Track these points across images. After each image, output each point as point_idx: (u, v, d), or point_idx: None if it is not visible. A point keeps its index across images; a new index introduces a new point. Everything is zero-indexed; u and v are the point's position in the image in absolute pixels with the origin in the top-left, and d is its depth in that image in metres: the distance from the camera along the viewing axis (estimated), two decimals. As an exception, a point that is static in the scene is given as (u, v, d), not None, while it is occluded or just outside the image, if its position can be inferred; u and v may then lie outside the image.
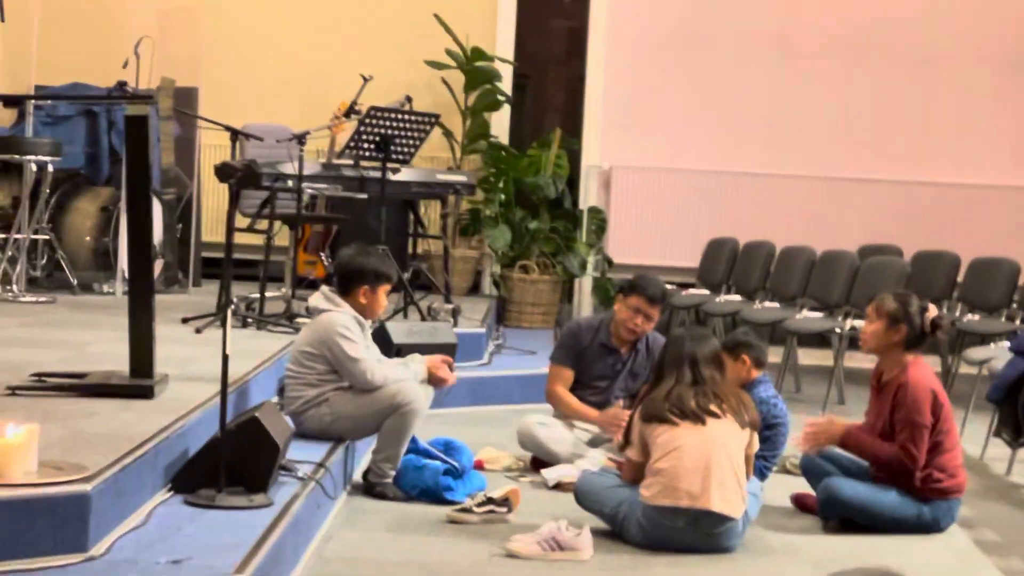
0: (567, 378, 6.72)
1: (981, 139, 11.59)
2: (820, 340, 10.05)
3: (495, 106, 11.42)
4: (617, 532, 5.38)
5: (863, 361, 9.55)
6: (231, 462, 4.72)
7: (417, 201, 9.39)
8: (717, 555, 5.24)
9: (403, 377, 5.89)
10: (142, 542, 4.11)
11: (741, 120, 11.69)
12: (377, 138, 8.30)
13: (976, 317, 9.60)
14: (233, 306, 7.94)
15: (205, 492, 4.65)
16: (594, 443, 6.55)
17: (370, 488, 5.87)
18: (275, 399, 6.51)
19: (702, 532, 5.21)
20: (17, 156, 8.60)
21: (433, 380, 6.14)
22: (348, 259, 6.11)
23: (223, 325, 4.74)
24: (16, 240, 8.65)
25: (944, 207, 11.49)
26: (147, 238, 5.19)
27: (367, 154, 8.38)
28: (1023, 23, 11.55)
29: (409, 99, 8.74)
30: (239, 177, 7.70)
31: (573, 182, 11.73)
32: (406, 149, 8.51)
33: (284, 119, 9.74)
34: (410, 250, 9.61)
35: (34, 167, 8.68)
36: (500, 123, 11.76)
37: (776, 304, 9.95)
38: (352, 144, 8.34)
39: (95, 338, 6.90)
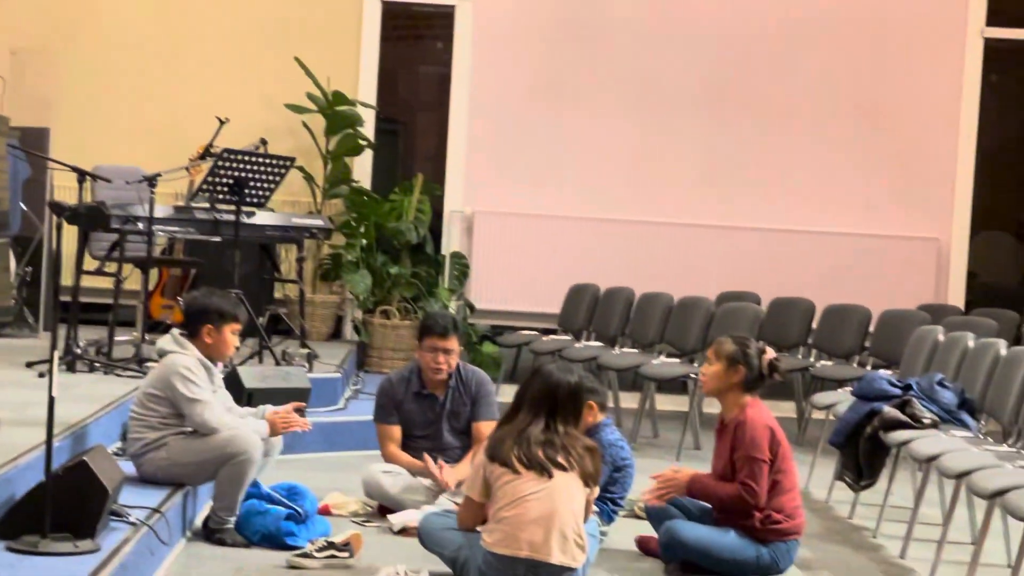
0: (395, 435, 6.70)
1: (834, 187, 11.81)
2: (679, 386, 10.12)
3: (356, 150, 11.39)
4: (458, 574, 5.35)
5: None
6: (58, 507, 4.63)
7: (274, 245, 9.32)
8: (556, 599, 5.21)
9: (238, 425, 5.81)
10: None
11: (603, 167, 11.79)
12: (231, 180, 8.23)
13: (830, 363, 9.76)
14: (79, 349, 7.82)
15: (28, 538, 4.54)
16: (439, 489, 6.50)
17: (210, 534, 5.78)
18: (118, 443, 6.41)
19: (542, 573, 5.18)
20: None
21: (278, 433, 6.08)
22: (192, 300, 6.13)
23: (49, 369, 4.64)
24: None
25: (800, 254, 11.67)
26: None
27: (221, 196, 8.30)
28: (868, 74, 11.79)
29: (264, 142, 8.67)
30: (68, 216, 7.54)
31: (437, 228, 11.74)
32: (261, 192, 8.45)
33: (142, 161, 9.58)
34: (269, 294, 9.54)
35: None
36: (363, 168, 11.73)
37: (635, 350, 10.02)
38: (205, 186, 8.26)
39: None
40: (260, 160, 8.32)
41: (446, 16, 12.01)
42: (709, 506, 5.92)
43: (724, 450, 5.82)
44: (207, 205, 8.40)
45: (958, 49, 11.83)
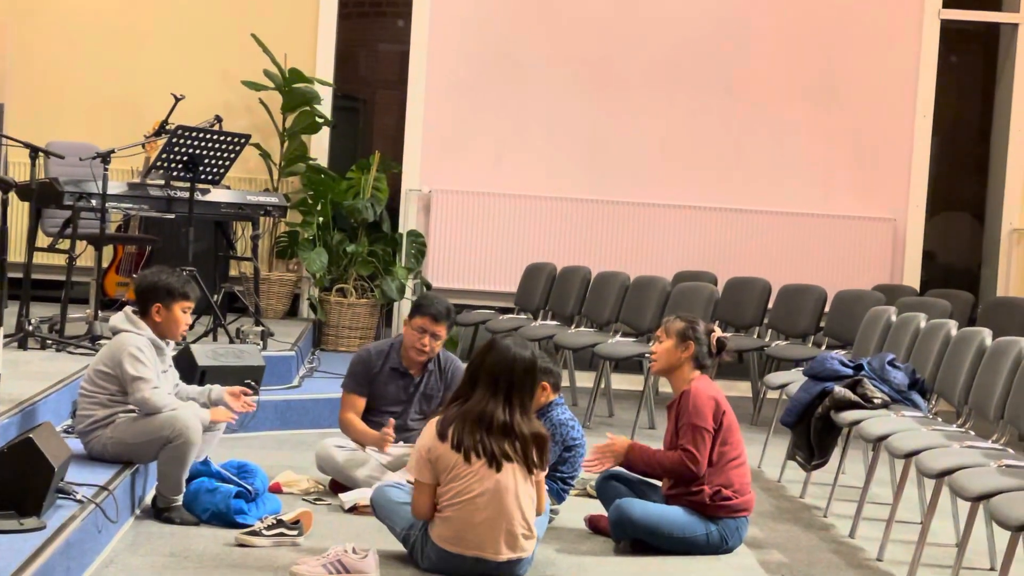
0: (358, 406, 6.69)
1: (791, 168, 11.83)
2: (634, 365, 10.14)
3: (314, 128, 11.34)
4: (407, 552, 5.34)
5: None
6: (3, 484, 4.61)
7: (229, 222, 9.28)
8: (505, 581, 5.22)
9: (177, 406, 5.78)
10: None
11: (560, 146, 11.78)
12: (185, 158, 8.19)
13: (785, 343, 9.80)
14: (31, 326, 7.77)
15: (-28, 515, 4.51)
16: (393, 467, 6.50)
17: (158, 513, 5.76)
18: (68, 421, 6.37)
19: (491, 569, 5.18)
20: None
21: (220, 421, 6.05)
22: (142, 278, 6.10)
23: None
24: None
25: (757, 235, 11.70)
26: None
27: (175, 173, 8.26)
28: (826, 55, 11.82)
29: (219, 119, 8.61)
30: (19, 191, 7.48)
31: (395, 206, 11.71)
32: (215, 169, 8.40)
33: (97, 138, 9.55)
34: (224, 272, 9.48)
35: None
36: (320, 145, 11.68)
37: (591, 329, 10.03)
38: (159, 163, 8.21)
39: None
40: (215, 137, 8.27)
41: (406, -7, 11.97)
42: (659, 484, 5.94)
43: (672, 425, 5.86)
44: (162, 182, 8.37)
45: (915, 30, 11.86)
